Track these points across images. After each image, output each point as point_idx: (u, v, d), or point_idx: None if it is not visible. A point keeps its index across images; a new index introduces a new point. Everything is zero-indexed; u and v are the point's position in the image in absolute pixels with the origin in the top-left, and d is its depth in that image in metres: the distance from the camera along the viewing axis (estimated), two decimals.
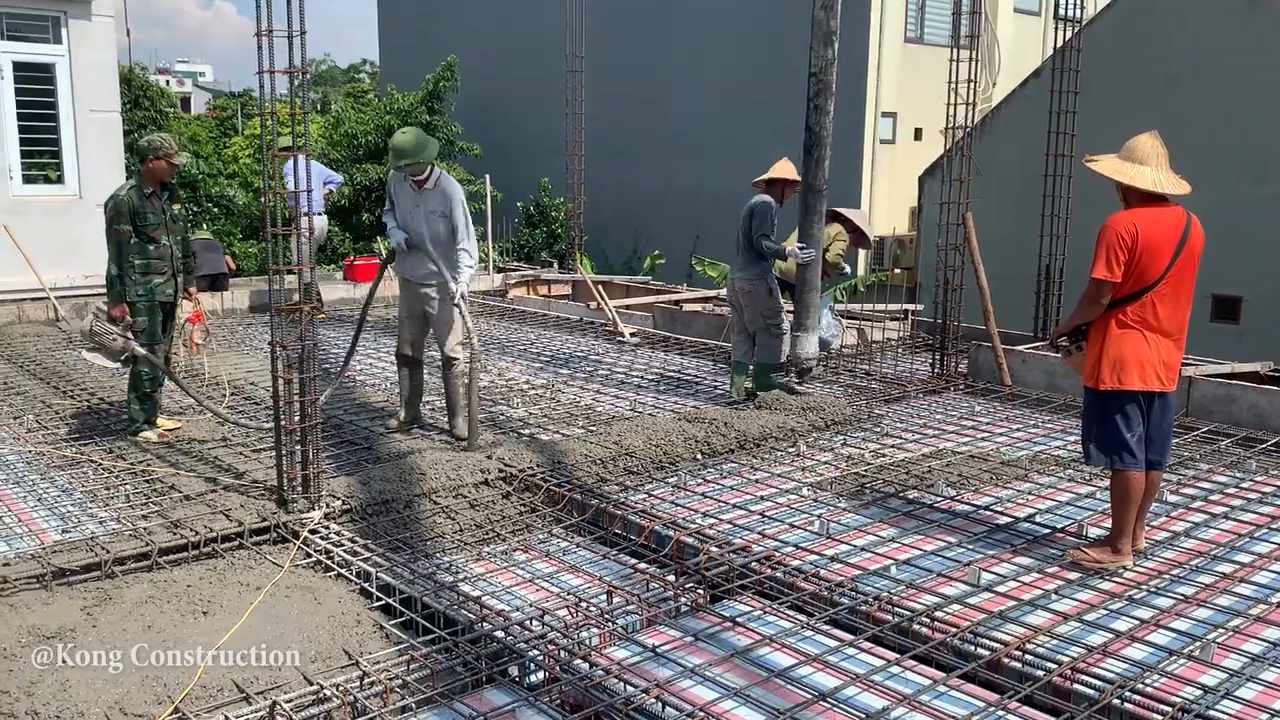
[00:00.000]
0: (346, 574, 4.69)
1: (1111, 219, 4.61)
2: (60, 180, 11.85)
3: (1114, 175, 4.68)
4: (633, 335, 10.83)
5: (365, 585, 4.56)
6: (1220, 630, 4.16)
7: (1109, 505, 4.92)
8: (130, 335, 6.52)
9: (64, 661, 3.85)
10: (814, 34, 7.60)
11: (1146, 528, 5.06)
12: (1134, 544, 4.83)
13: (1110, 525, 4.88)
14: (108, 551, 4.71)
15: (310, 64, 5.31)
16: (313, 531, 5.10)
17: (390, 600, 4.42)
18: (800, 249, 7.81)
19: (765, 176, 7.95)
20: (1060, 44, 9.70)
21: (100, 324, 6.51)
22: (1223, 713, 3.56)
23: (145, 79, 22.63)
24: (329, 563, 4.82)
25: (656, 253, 18.14)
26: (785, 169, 7.95)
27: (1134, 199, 4.67)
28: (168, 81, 49.95)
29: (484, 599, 4.39)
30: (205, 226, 18.41)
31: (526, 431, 7.07)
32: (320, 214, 10.59)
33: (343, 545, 4.96)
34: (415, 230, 6.67)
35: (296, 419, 5.29)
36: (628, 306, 12.09)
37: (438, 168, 6.71)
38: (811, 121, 7.72)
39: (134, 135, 17.15)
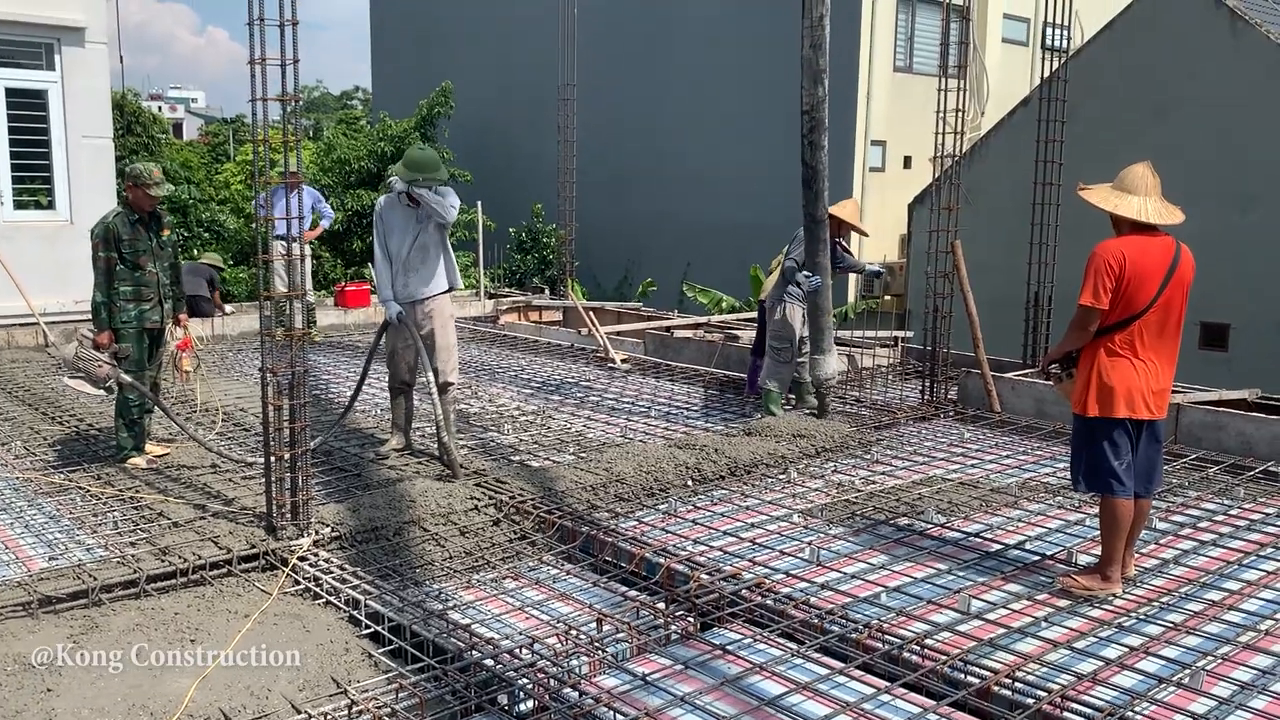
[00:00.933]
0: (335, 601, 4.67)
1: (1099, 246, 4.65)
2: (51, 206, 11.85)
3: (1100, 204, 4.72)
4: (624, 361, 10.85)
5: (354, 613, 4.54)
6: (1210, 658, 4.17)
7: (1099, 532, 4.93)
8: (115, 362, 6.50)
9: (49, 690, 3.82)
10: (804, 73, 7.69)
11: (1136, 555, 5.07)
12: (1123, 571, 4.84)
13: (1100, 552, 4.89)
14: (95, 579, 4.69)
15: (303, 91, 5.35)
16: (301, 559, 5.09)
17: (379, 628, 4.41)
18: (807, 277, 7.93)
19: (838, 216, 8.35)
20: (1047, 74, 9.80)
21: (85, 351, 6.50)
22: None
23: (137, 105, 22.67)
24: (318, 590, 4.80)
25: (650, 280, 18.19)
26: (842, 209, 8.39)
27: (1124, 227, 4.71)
28: (160, 107, 50.17)
29: (473, 627, 4.37)
30: (196, 252, 18.41)
31: (517, 458, 7.06)
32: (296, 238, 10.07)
33: (332, 573, 4.94)
34: (408, 253, 6.69)
35: (286, 446, 5.28)
36: (619, 333, 12.11)
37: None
38: (807, 157, 7.81)
39: (125, 161, 17.16)
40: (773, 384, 8.24)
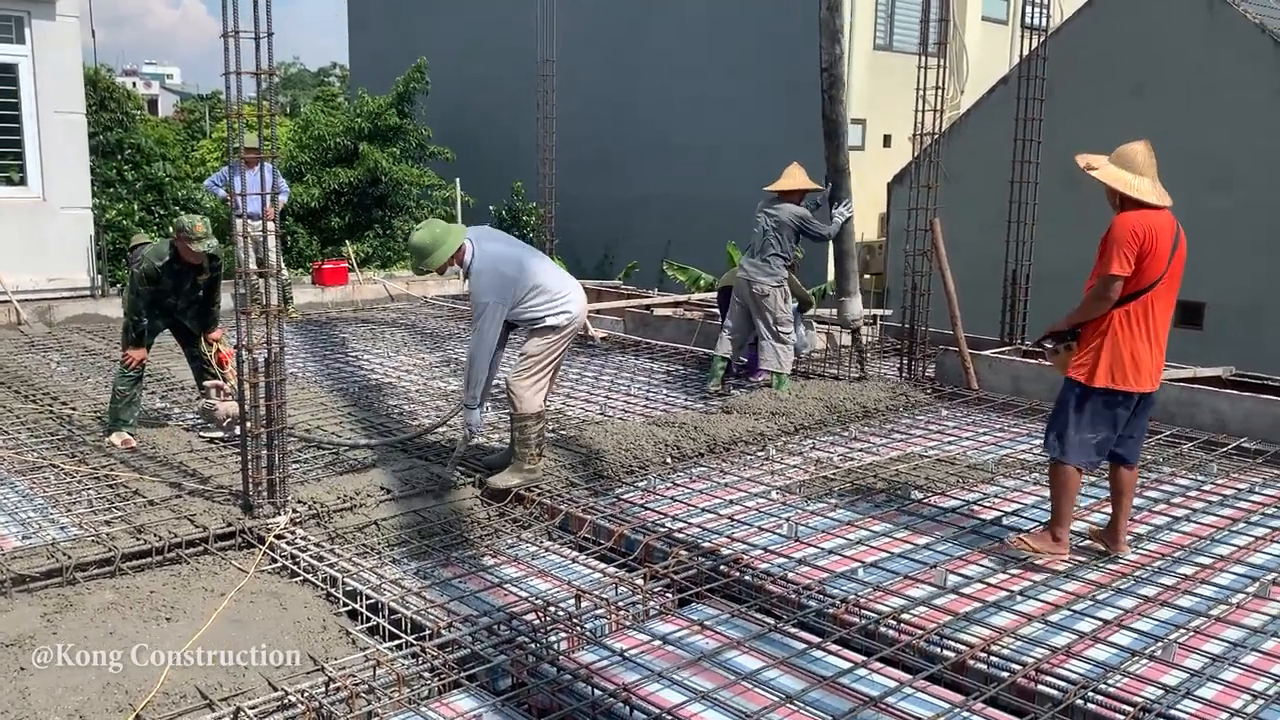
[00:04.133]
0: (312, 579, 4.66)
1: (1120, 218, 4.68)
2: (23, 182, 11.69)
3: (1120, 186, 4.70)
4: (603, 339, 10.83)
5: (331, 590, 4.53)
6: (1182, 631, 4.22)
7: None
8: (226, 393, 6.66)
9: (23, 669, 3.80)
10: (822, 33, 8.42)
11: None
12: (1117, 543, 4.96)
13: (1051, 516, 4.97)
14: (69, 557, 4.65)
15: (279, 67, 5.28)
16: (279, 537, 5.06)
17: (357, 605, 4.40)
18: (845, 204, 8.31)
19: (799, 186, 8.22)
20: (1027, 52, 9.80)
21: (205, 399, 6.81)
22: (1184, 712, 3.61)
23: (111, 81, 22.31)
24: (295, 568, 4.78)
25: (634, 263, 18.17)
26: (804, 180, 8.28)
27: (1130, 204, 4.74)
28: (134, 83, 49.41)
29: (451, 604, 4.37)
30: (170, 229, 18.21)
31: (495, 436, 7.04)
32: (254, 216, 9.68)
33: (309, 550, 4.92)
34: None
35: (263, 424, 5.25)
36: (598, 311, 12.07)
37: (470, 253, 5.61)
38: (828, 111, 8.47)
39: (100, 137, 16.94)
40: (785, 365, 8.18)
